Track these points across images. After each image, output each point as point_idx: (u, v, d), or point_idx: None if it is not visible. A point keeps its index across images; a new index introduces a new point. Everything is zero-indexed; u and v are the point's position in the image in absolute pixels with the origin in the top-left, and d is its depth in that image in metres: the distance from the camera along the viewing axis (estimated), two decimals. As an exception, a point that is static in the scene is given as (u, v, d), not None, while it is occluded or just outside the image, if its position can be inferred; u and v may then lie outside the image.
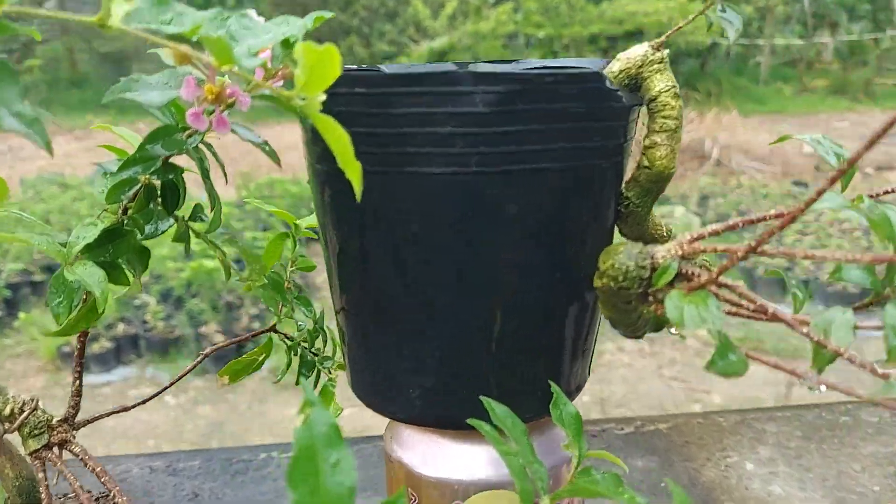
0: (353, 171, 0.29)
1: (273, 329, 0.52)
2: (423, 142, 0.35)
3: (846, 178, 0.35)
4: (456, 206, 0.36)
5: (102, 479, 0.42)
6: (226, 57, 0.25)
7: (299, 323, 0.52)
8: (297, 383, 0.54)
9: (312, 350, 0.53)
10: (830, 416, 1.06)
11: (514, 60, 0.48)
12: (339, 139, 0.28)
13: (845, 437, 1.00)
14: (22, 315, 4.91)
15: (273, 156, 0.35)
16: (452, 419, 0.40)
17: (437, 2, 12.91)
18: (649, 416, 1.09)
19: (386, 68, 0.49)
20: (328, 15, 0.31)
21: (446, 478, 0.41)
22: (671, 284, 0.33)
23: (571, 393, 0.43)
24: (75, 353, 0.46)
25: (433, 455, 0.42)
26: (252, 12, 0.33)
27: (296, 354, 0.52)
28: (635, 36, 10.96)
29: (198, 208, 0.41)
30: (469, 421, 0.34)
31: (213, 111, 0.30)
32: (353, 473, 0.25)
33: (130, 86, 0.31)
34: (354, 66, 0.49)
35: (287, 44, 0.29)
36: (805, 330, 0.30)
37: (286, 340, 0.53)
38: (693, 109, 11.55)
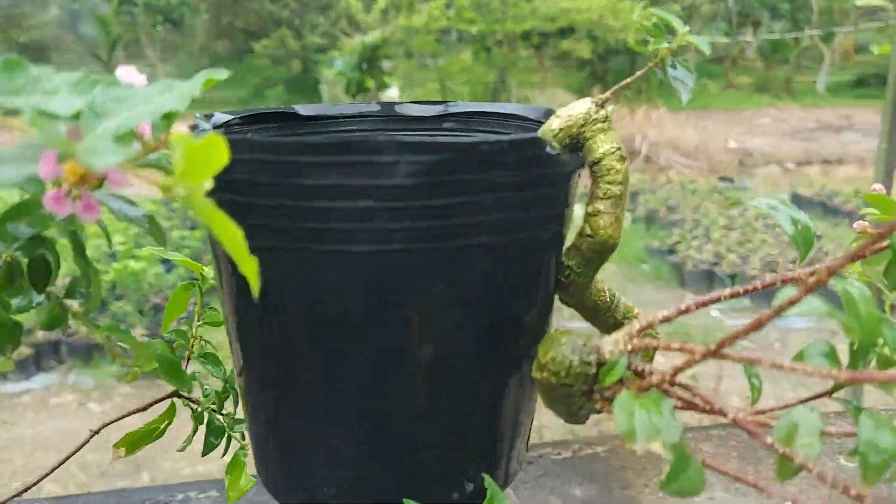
0: (249, 270, 0.24)
1: (175, 394, 0.47)
2: (341, 217, 0.30)
3: (804, 251, 0.32)
4: (378, 286, 0.32)
5: None
6: (69, 149, 0.20)
7: (205, 385, 0.46)
8: (203, 454, 0.48)
9: (222, 413, 0.48)
10: (769, 443, 1.06)
11: (445, 102, 0.43)
12: (228, 234, 0.23)
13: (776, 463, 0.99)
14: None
15: (156, 235, 0.29)
16: None
17: (369, -5, 12.77)
18: (587, 438, 1.07)
19: (301, 108, 0.44)
20: (222, 76, 0.26)
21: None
22: (620, 382, 0.30)
23: (509, 477, 0.39)
24: None
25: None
26: (131, 72, 0.28)
27: (201, 422, 0.46)
28: (567, 33, 11.07)
29: (74, 284, 0.36)
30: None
31: (79, 193, 0.25)
32: None
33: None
34: (264, 109, 0.44)
35: (168, 117, 0.24)
36: (769, 441, 0.27)
37: (191, 404, 0.47)
38: (623, 106, 11.76)
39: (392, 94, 9.93)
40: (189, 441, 0.47)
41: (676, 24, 0.36)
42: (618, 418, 0.27)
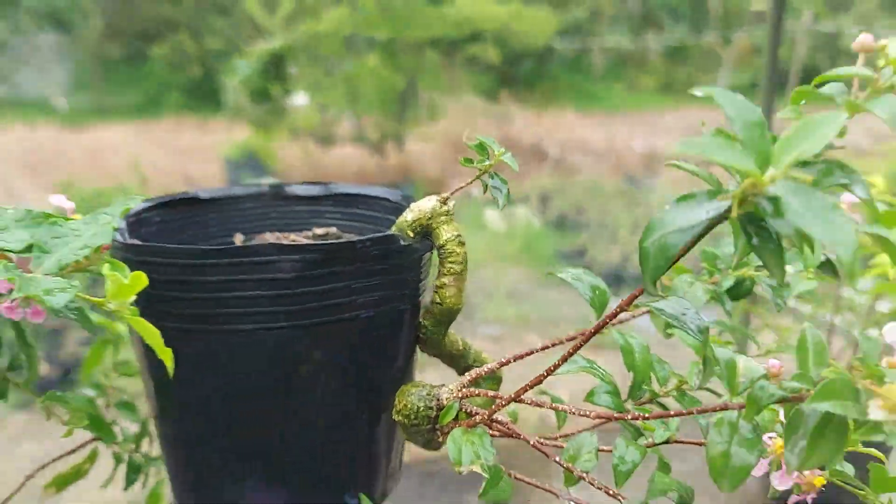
0: (166, 358, 0.32)
1: (98, 438, 0.54)
2: (235, 304, 0.38)
3: (598, 313, 0.42)
4: (266, 357, 0.40)
5: None
6: (28, 288, 0.28)
7: (124, 428, 0.53)
8: (125, 489, 0.55)
9: (140, 452, 0.55)
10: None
11: (327, 184, 0.52)
12: (148, 334, 0.31)
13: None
14: None
15: (85, 324, 0.37)
16: None
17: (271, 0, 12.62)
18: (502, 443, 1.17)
19: (202, 192, 0.52)
20: (134, 202, 0.34)
21: None
22: (455, 419, 0.39)
23: (386, 492, 0.48)
24: None
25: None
26: (62, 199, 0.35)
27: (121, 461, 0.53)
28: (474, 39, 11.27)
29: (15, 362, 0.42)
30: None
31: (25, 306, 0.32)
32: None
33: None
34: (168, 196, 0.51)
35: (97, 250, 0.31)
36: (557, 459, 0.37)
37: (113, 446, 0.54)
38: (532, 110, 12.05)
39: (300, 101, 9.86)
40: (110, 479, 0.54)
41: (495, 147, 0.46)
42: (450, 449, 0.36)
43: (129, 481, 0.53)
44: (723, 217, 0.29)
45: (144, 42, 15.48)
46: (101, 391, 0.52)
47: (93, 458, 0.53)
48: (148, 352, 0.43)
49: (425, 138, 10.07)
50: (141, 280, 0.29)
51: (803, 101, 0.34)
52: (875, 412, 0.26)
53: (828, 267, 0.46)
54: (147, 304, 0.34)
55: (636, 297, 0.35)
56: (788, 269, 0.45)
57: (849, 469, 0.37)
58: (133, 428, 0.56)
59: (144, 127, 12.48)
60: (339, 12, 9.00)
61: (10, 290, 0.32)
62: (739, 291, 0.49)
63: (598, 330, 0.35)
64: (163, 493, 0.54)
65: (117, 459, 0.53)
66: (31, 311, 0.32)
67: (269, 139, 6.80)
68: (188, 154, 8.89)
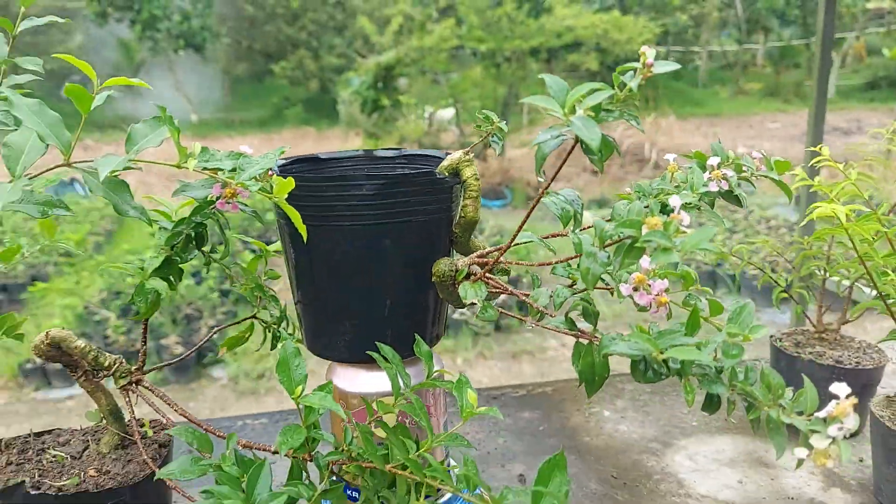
0: (302, 230, 0.59)
1: (254, 317, 0.81)
2: (342, 209, 0.64)
3: (565, 223, 0.66)
4: (360, 243, 0.66)
5: (169, 404, 0.70)
6: (233, 180, 0.55)
7: (271, 312, 0.81)
8: (271, 348, 0.83)
9: (280, 329, 0.82)
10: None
11: (399, 148, 0.78)
12: (294, 215, 0.58)
13: (681, 392, 1.33)
14: (-14, 336, 5.04)
15: (260, 218, 0.64)
16: (363, 358, 0.70)
17: (383, 17, 13.22)
18: (537, 382, 1.41)
19: (321, 154, 0.79)
20: (285, 149, 0.61)
21: (360, 392, 0.71)
22: (466, 278, 0.64)
23: (432, 340, 0.73)
24: (142, 330, 0.75)
25: (352, 379, 0.72)
26: (246, 149, 0.63)
27: (269, 331, 0.81)
28: (574, 47, 11.43)
29: (215, 247, 0.71)
30: (370, 354, 0.64)
31: (230, 201, 0.59)
32: (304, 369, 0.56)
33: (185, 188, 0.60)
34: (301, 156, 0.79)
35: (266, 172, 0.58)
36: (526, 298, 0.61)
37: (262, 323, 0.82)
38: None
39: (446, 115, 10.28)
40: (262, 344, 0.82)
41: (495, 118, 0.70)
42: (461, 293, 0.61)
43: (273, 346, 0.81)
44: (562, 137, 0.52)
45: (268, 60, 16.53)
46: (260, 290, 0.80)
47: (251, 329, 0.81)
48: (292, 239, 0.70)
49: (525, 144, 10.28)
50: (290, 183, 0.56)
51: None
52: (644, 232, 0.48)
53: (729, 195, 0.68)
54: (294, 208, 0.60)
55: (542, 195, 0.59)
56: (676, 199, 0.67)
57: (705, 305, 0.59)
58: (275, 312, 0.84)
59: (267, 139, 13.35)
60: (444, 27, 9.40)
61: (220, 195, 0.60)
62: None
63: (534, 205, 0.58)
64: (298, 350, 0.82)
65: (267, 328, 0.81)
66: (232, 206, 0.60)
67: (380, 146, 7.21)
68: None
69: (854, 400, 0.46)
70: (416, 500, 0.57)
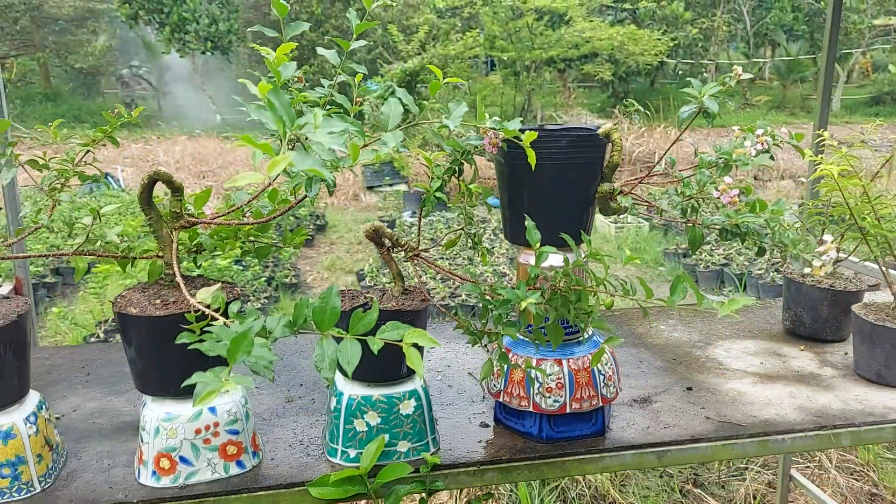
0: (532, 161, 1.06)
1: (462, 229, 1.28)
2: (541, 157, 1.11)
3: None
4: (549, 174, 1.12)
5: (436, 269, 1.16)
6: (509, 133, 1.02)
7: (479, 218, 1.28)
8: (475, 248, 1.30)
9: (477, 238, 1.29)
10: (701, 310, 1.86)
11: (560, 124, 1.25)
12: (531, 153, 1.05)
13: (705, 316, 1.80)
14: (55, 310, 5.51)
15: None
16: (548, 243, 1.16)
17: (407, 25, 13.74)
18: (619, 308, 1.88)
19: (550, 125, 1.27)
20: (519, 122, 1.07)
21: (547, 264, 1.18)
22: (620, 193, 1.10)
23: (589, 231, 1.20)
24: (418, 224, 1.21)
25: (529, 257, 1.18)
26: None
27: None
28: (589, 58, 11.96)
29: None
30: (562, 237, 1.12)
31: (494, 145, 1.06)
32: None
33: (468, 139, 1.07)
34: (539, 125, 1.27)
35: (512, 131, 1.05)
36: (654, 202, 1.07)
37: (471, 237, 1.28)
38: (643, 125, 12.55)
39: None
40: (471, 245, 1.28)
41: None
42: (620, 200, 1.08)
43: (474, 246, 1.26)
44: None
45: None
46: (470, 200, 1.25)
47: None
48: (511, 170, 1.16)
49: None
50: (534, 134, 1.03)
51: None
52: (733, 156, 0.94)
53: (765, 154, 1.15)
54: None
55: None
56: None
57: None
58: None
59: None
60: (468, 36, 9.91)
61: (490, 141, 1.07)
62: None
63: (678, 137, 1.05)
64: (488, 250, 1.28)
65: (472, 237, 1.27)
66: (493, 148, 1.07)
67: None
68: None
69: (836, 244, 0.92)
70: (587, 311, 1.04)
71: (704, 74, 19.27)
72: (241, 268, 6.23)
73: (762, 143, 1.11)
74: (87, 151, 1.24)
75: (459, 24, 11.21)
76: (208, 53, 14.89)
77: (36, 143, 1.28)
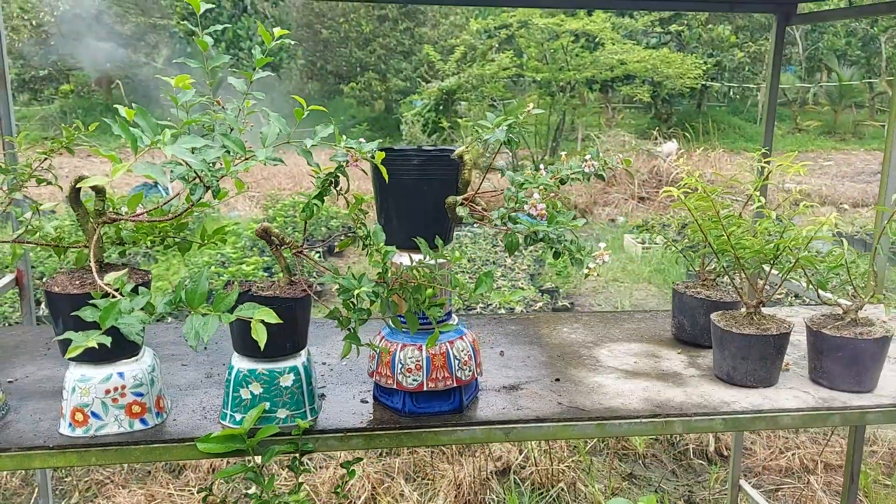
0: (385, 175, 1.27)
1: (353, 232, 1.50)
2: (403, 172, 1.31)
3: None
4: (411, 187, 1.32)
5: (315, 264, 1.38)
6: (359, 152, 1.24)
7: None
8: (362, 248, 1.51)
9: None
10: (614, 316, 2.02)
11: (435, 145, 1.45)
12: (383, 169, 1.26)
13: (610, 322, 1.96)
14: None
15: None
16: (408, 246, 1.37)
17: (447, 46, 14.08)
18: (524, 313, 2.05)
19: (395, 147, 1.48)
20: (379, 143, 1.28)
21: (404, 262, 1.38)
22: (460, 205, 1.29)
23: (447, 240, 1.40)
24: (303, 228, 1.43)
25: (402, 258, 1.39)
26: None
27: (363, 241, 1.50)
28: (626, 80, 12.05)
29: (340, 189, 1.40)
30: (413, 241, 1.32)
31: (356, 161, 1.28)
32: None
33: (336, 155, 1.29)
34: (384, 147, 1.48)
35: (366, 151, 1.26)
36: (486, 213, 1.26)
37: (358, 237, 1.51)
38: (682, 147, 12.56)
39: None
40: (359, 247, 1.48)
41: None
42: (458, 211, 1.27)
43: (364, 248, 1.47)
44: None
45: (338, 80, 17.62)
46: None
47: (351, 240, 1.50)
48: (380, 184, 1.37)
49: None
50: (382, 154, 1.22)
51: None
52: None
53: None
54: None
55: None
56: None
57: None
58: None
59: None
60: (504, 57, 10.16)
61: (351, 159, 1.28)
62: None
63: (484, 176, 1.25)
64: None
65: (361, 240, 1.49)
66: (354, 165, 1.28)
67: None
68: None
69: (608, 251, 1.10)
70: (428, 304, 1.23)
71: (757, 97, 19.09)
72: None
73: (589, 167, 1.29)
74: (45, 159, 1.49)
75: (496, 45, 11.47)
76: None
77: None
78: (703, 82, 13.71)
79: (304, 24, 17.56)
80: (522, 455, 3.59)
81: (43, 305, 5.23)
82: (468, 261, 6.53)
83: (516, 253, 6.99)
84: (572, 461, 3.64)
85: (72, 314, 1.15)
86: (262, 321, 1.13)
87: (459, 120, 10.63)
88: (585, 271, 1.11)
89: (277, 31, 1.41)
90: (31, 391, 1.48)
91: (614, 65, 9.92)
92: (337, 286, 1.28)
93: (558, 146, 11.10)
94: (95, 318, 1.08)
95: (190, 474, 3.51)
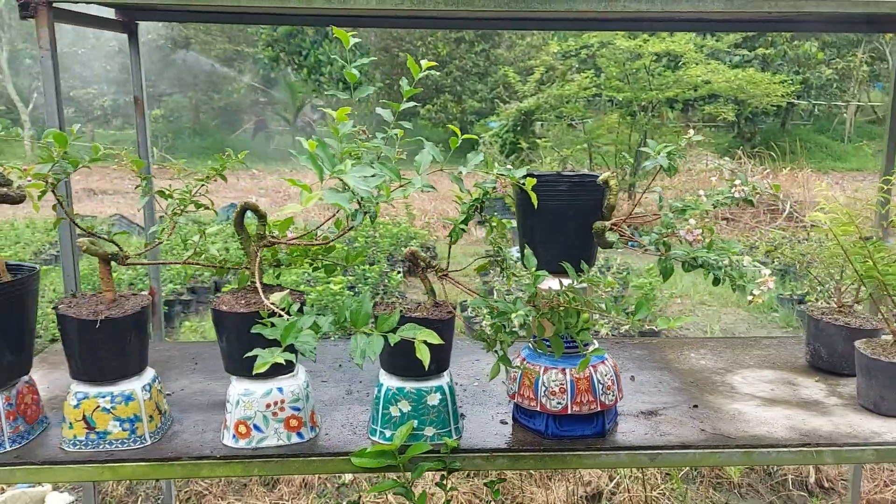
0: (534, 201, 1.30)
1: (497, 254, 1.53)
2: (550, 196, 1.34)
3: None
4: (559, 212, 1.35)
5: (459, 287, 1.42)
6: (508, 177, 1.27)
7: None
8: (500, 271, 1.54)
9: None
10: (740, 341, 2.00)
11: (575, 171, 1.48)
12: (533, 195, 1.30)
13: (737, 348, 1.93)
14: (187, 323, 6.13)
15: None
16: (556, 270, 1.39)
17: (525, 67, 14.14)
18: (645, 335, 2.05)
19: (535, 172, 1.51)
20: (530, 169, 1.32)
21: (552, 286, 1.41)
22: (609, 230, 1.31)
23: (591, 264, 1.41)
24: (447, 251, 1.48)
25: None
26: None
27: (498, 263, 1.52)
28: (710, 99, 11.83)
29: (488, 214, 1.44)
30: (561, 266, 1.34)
31: (505, 188, 1.31)
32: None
33: (483, 182, 1.33)
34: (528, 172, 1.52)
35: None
36: (638, 240, 1.28)
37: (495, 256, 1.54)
38: (768, 167, 12.23)
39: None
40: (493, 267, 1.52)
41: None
42: (607, 237, 1.29)
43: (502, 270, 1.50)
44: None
45: (414, 102, 17.91)
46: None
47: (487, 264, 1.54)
48: (524, 210, 1.41)
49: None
50: (533, 181, 1.26)
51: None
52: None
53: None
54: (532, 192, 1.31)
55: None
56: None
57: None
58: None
59: (407, 174, 14.56)
60: (584, 77, 10.13)
61: (501, 185, 1.32)
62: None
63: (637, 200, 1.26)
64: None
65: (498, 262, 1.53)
66: (503, 190, 1.32)
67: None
68: (447, 199, 10.46)
69: (773, 277, 1.10)
70: (579, 328, 1.25)
71: (844, 115, 18.45)
72: (351, 293, 6.68)
73: (739, 192, 1.29)
74: (202, 185, 1.59)
75: (576, 66, 11.44)
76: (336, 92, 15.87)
77: (177, 175, 1.64)
78: (790, 100, 13.33)
79: (381, 47, 17.93)
80: (614, 482, 3.54)
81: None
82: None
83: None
84: (665, 488, 3.57)
85: (249, 331, 1.22)
86: (425, 342, 1.18)
87: (538, 140, 10.63)
88: (749, 298, 1.11)
89: (425, 62, 1.46)
90: (189, 403, 1.57)
91: (699, 84, 9.76)
92: (487, 309, 1.32)
93: (639, 166, 10.97)
94: (276, 336, 1.14)
95: (283, 488, 3.60)
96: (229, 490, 3.58)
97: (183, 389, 1.65)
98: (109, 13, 1.98)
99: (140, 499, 3.31)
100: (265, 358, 1.10)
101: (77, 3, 1.91)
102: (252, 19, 2.25)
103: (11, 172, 1.37)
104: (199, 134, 19.50)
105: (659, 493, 3.48)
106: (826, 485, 3.75)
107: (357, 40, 1.48)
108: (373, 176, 1.17)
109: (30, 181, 1.30)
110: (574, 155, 9.59)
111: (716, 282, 1.15)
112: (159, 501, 3.48)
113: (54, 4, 1.76)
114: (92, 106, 18.13)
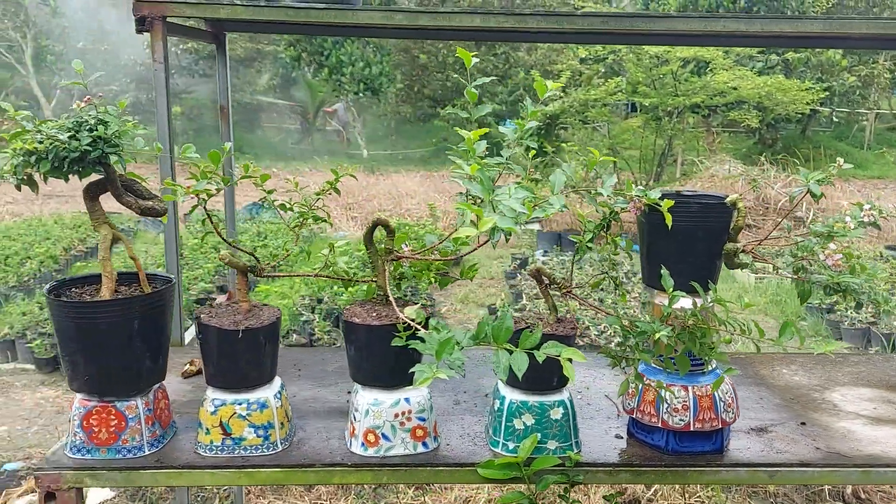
0: (669, 222, 1.33)
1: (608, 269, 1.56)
2: (681, 216, 1.37)
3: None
4: (687, 232, 1.38)
5: (581, 304, 1.45)
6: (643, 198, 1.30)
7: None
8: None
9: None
10: (828, 358, 2.02)
11: (694, 191, 1.51)
12: (668, 216, 1.33)
13: (826, 365, 1.96)
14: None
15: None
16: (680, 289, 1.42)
17: (550, 70, 14.15)
18: (744, 352, 2.07)
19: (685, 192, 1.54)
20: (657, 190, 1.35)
21: (679, 306, 1.43)
22: (742, 252, 1.34)
23: (715, 283, 1.45)
24: (570, 266, 1.51)
25: (664, 298, 1.44)
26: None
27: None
28: (735, 105, 11.82)
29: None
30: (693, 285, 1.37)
31: (638, 208, 1.34)
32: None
33: (615, 203, 1.36)
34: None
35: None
36: (770, 262, 1.30)
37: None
38: (790, 174, 12.20)
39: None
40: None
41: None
42: (741, 258, 1.32)
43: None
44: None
45: (434, 104, 17.93)
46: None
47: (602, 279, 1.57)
48: (651, 229, 1.44)
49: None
50: (670, 202, 1.29)
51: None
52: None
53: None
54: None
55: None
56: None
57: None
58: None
59: (428, 175, 14.59)
60: (610, 82, 10.14)
61: (634, 206, 1.36)
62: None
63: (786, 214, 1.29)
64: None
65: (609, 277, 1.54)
66: (635, 211, 1.35)
67: (538, 189, 7.99)
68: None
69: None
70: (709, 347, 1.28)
71: (864, 122, 18.37)
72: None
73: (868, 216, 1.32)
74: (319, 199, 1.63)
75: (602, 70, 11.45)
76: (360, 94, 15.92)
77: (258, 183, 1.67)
78: (813, 107, 13.30)
79: (401, 48, 17.96)
80: (652, 489, 3.56)
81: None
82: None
83: (622, 281, 6.97)
84: (702, 495, 3.59)
85: (381, 342, 1.26)
86: (570, 360, 1.21)
87: (563, 144, 10.65)
88: (895, 323, 1.13)
89: (551, 84, 1.49)
90: (305, 410, 1.60)
91: (726, 90, 9.76)
92: (621, 328, 1.35)
93: (663, 171, 10.98)
94: (429, 351, 1.18)
95: (322, 488, 3.64)
96: (268, 489, 3.62)
97: (294, 396, 1.68)
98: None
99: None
100: (426, 373, 1.14)
101: (188, 18, 1.95)
102: (338, 31, 2.29)
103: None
104: (219, 131, 19.48)
105: (696, 500, 3.51)
106: (863, 496, 3.76)
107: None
108: (524, 200, 1.20)
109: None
110: (603, 162, 9.61)
111: (859, 306, 1.18)
112: (200, 498, 3.53)
113: (168, 19, 1.80)
114: (112, 103, 18.19)
